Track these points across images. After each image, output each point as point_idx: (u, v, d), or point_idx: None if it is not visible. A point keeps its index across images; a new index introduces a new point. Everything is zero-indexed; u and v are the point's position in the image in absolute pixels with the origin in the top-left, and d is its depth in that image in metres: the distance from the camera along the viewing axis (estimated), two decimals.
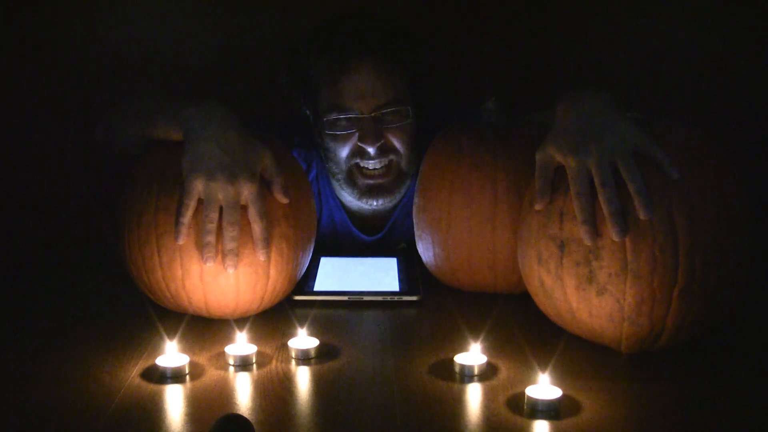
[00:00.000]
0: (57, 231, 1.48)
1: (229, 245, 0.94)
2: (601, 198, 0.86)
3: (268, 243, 0.96)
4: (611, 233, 0.85)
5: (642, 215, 0.84)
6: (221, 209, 0.94)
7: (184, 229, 0.94)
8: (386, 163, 1.29)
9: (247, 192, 0.95)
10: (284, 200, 0.99)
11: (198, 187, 0.94)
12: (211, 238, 0.94)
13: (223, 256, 0.94)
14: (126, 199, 1.00)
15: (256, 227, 0.95)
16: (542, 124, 1.00)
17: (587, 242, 0.86)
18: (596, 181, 0.87)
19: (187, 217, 0.94)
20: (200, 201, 0.95)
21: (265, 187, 0.98)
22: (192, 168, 0.95)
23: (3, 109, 1.48)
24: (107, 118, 1.16)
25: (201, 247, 0.94)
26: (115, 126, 1.13)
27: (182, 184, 0.95)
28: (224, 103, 1.01)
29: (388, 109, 1.26)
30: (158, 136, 1.03)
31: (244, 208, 0.96)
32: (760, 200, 1.02)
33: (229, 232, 0.94)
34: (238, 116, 1.01)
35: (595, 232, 0.86)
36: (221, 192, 0.94)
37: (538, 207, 0.92)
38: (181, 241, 0.94)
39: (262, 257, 0.96)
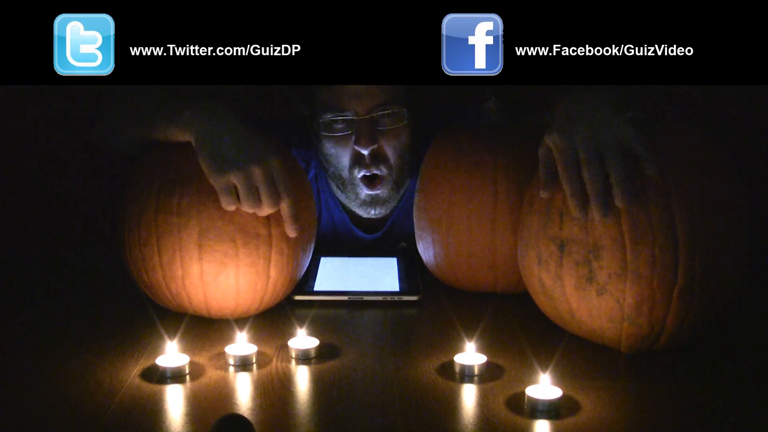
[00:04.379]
0: (57, 231, 1.48)
1: (288, 212, 0.96)
2: (584, 176, 0.86)
3: (297, 219, 0.97)
4: (594, 212, 0.86)
5: (618, 202, 0.85)
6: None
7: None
8: (377, 174, 1.29)
9: (274, 168, 0.96)
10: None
11: (231, 181, 0.94)
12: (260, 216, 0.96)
13: (286, 226, 0.97)
14: (126, 199, 1.00)
15: (284, 204, 0.96)
16: (543, 124, 1.00)
17: (576, 214, 0.87)
18: (581, 159, 0.87)
19: (235, 207, 0.95)
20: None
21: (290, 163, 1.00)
22: (218, 166, 0.94)
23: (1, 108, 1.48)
24: (104, 119, 1.16)
25: (201, 246, 0.95)
26: (113, 127, 1.13)
27: (186, 176, 0.95)
28: (221, 101, 1.01)
29: (384, 111, 1.26)
30: (158, 138, 1.02)
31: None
32: (760, 200, 1.02)
33: (286, 202, 0.96)
34: (235, 112, 1.01)
35: (586, 205, 0.86)
36: (255, 176, 0.94)
37: (544, 195, 0.92)
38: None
39: (292, 234, 0.97)
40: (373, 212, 1.33)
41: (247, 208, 0.95)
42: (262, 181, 0.95)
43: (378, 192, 1.31)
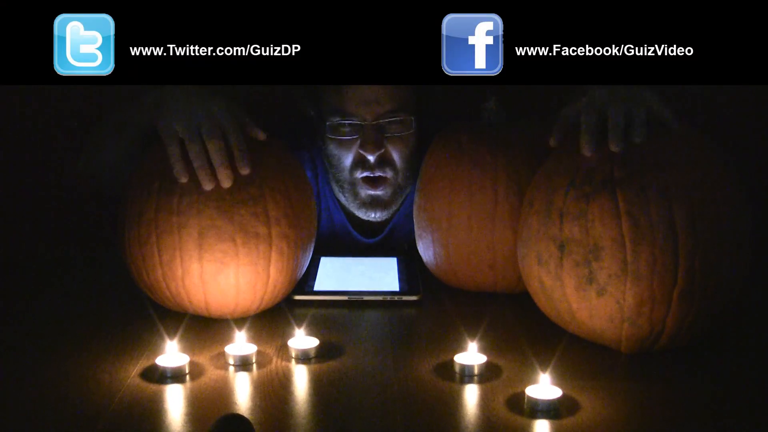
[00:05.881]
0: (57, 231, 1.48)
1: (218, 158, 0.95)
2: (609, 112, 0.90)
3: (248, 155, 0.97)
4: (610, 142, 0.88)
5: (636, 138, 0.88)
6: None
7: (182, 167, 0.95)
8: (383, 176, 1.29)
9: (216, 108, 0.98)
10: (259, 135, 1.01)
11: (173, 126, 0.97)
12: (201, 161, 0.95)
13: (217, 172, 0.95)
14: (126, 199, 1.00)
15: (233, 138, 0.97)
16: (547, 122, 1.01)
17: (586, 152, 0.89)
18: (607, 100, 0.91)
19: (178, 155, 0.95)
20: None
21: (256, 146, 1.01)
22: (164, 114, 0.98)
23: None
24: (86, 146, 1.17)
25: (201, 246, 0.95)
26: (96, 142, 1.14)
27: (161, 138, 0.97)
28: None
29: (391, 118, 1.26)
30: (135, 116, 1.05)
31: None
32: (761, 201, 1.02)
33: (214, 145, 0.95)
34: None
35: (594, 142, 0.89)
36: (196, 117, 0.97)
37: (552, 143, 0.97)
38: (184, 179, 0.95)
39: (244, 171, 0.96)
40: (373, 215, 1.33)
41: (189, 147, 0.95)
42: (205, 123, 0.96)
43: (380, 193, 1.30)
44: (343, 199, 1.36)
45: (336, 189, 1.35)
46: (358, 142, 1.26)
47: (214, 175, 0.95)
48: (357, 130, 1.26)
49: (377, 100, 1.24)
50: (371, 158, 1.26)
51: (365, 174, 1.28)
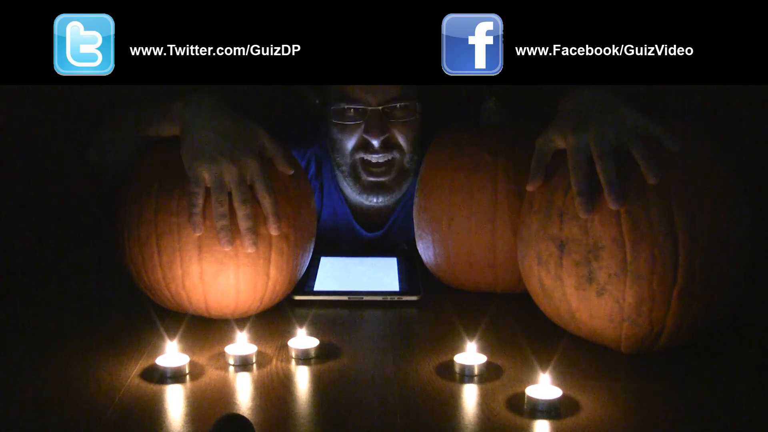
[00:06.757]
0: (57, 231, 1.48)
1: (245, 224, 0.95)
2: (598, 169, 0.87)
3: (279, 217, 0.97)
4: (608, 202, 0.86)
5: (651, 180, 0.85)
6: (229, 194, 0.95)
7: (199, 219, 0.94)
8: (389, 159, 1.29)
9: (250, 169, 0.96)
10: (289, 171, 1.01)
11: (203, 174, 0.95)
12: (224, 222, 0.94)
13: (241, 237, 0.95)
14: (126, 199, 1.00)
15: (266, 202, 0.96)
16: (544, 120, 1.00)
17: (582, 215, 0.87)
18: (594, 154, 0.88)
19: (199, 206, 0.94)
20: (207, 190, 0.95)
21: (267, 164, 0.99)
22: (193, 157, 0.95)
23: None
24: (97, 137, 1.16)
25: (201, 246, 0.95)
26: (107, 139, 1.13)
27: (186, 177, 0.95)
28: (212, 92, 1.02)
29: (396, 104, 1.26)
30: (151, 134, 1.03)
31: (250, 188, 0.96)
32: (761, 200, 1.02)
33: (243, 211, 0.95)
34: (228, 102, 1.02)
35: (591, 204, 0.87)
36: (227, 174, 0.95)
37: (529, 188, 0.95)
38: (198, 232, 0.94)
39: (274, 232, 0.97)
40: (375, 200, 1.33)
41: (214, 205, 0.94)
42: (235, 180, 0.95)
43: (382, 179, 1.30)
44: (346, 188, 1.36)
45: (339, 176, 1.35)
46: (363, 126, 1.27)
47: (234, 237, 0.95)
48: (361, 114, 1.27)
49: (382, 85, 1.25)
50: (375, 142, 1.27)
51: (367, 156, 1.28)
